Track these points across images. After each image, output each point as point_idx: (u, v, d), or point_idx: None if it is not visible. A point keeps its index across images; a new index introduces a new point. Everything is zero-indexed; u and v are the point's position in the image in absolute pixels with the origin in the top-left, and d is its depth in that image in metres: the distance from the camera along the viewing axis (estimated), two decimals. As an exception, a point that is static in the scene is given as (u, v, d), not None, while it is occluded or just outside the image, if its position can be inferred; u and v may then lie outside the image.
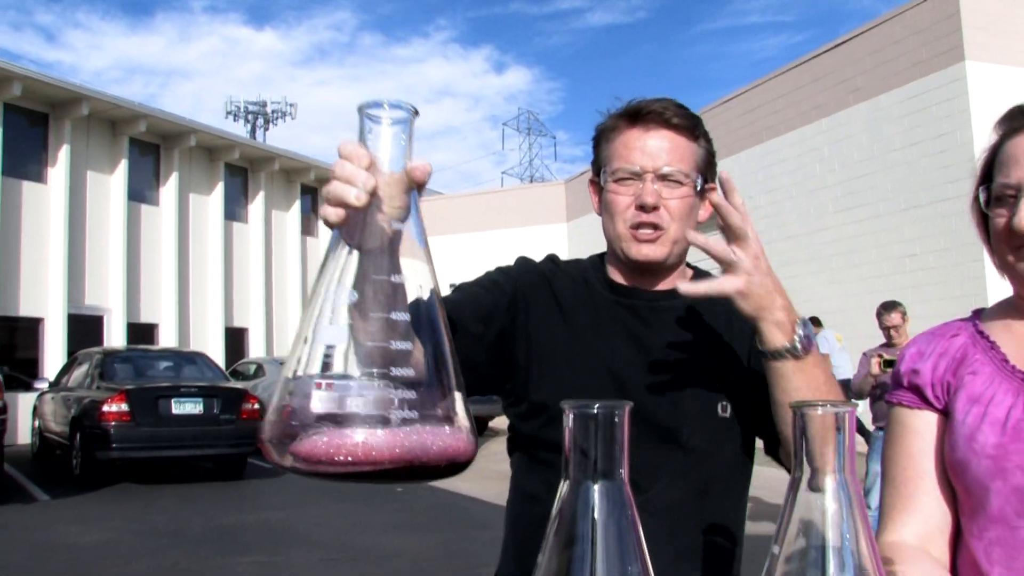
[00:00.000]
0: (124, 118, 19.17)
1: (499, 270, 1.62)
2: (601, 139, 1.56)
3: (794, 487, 0.82)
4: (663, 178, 1.47)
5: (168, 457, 11.63)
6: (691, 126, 1.51)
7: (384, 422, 0.84)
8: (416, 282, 0.90)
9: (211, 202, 21.21)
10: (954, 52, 12.49)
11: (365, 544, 8.15)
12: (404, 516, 9.55)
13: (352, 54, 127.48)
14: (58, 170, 17.92)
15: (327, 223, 0.91)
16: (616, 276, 1.58)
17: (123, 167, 19.35)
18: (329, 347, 0.90)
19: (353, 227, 0.89)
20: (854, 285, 13.71)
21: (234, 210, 22.01)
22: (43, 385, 13.44)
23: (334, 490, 11.28)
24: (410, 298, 0.88)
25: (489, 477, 11.57)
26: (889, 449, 1.40)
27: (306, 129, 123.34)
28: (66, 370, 13.29)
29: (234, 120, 37.60)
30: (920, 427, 1.36)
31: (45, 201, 17.72)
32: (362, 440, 0.83)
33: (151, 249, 19.88)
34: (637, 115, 1.49)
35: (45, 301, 17.60)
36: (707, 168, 1.54)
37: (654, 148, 1.48)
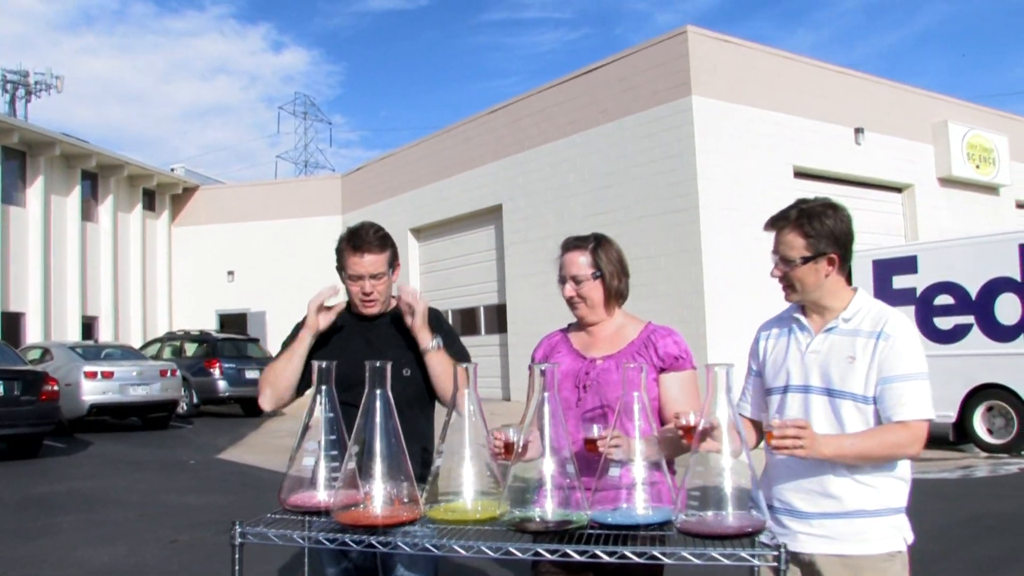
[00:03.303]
0: None
1: None
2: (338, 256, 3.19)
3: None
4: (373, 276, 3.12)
5: None
6: (383, 245, 3.14)
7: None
8: None
9: (-12, 186, 20.80)
10: (683, 87, 14.72)
11: (171, 502, 9.06)
12: (199, 482, 10.42)
13: (122, 22, 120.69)
14: None
15: None
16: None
17: None
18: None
19: None
20: None
21: (11, 194, 21.62)
22: None
23: (132, 463, 12.14)
24: None
25: (271, 450, 12.82)
26: None
27: (72, 100, 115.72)
28: None
29: None
30: None
31: None
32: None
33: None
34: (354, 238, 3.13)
35: None
36: (395, 260, 3.21)
37: (367, 262, 3.09)
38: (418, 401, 3.16)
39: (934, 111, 18.68)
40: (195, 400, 18.38)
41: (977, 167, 18.93)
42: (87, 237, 23.94)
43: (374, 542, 2.11)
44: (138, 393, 15.37)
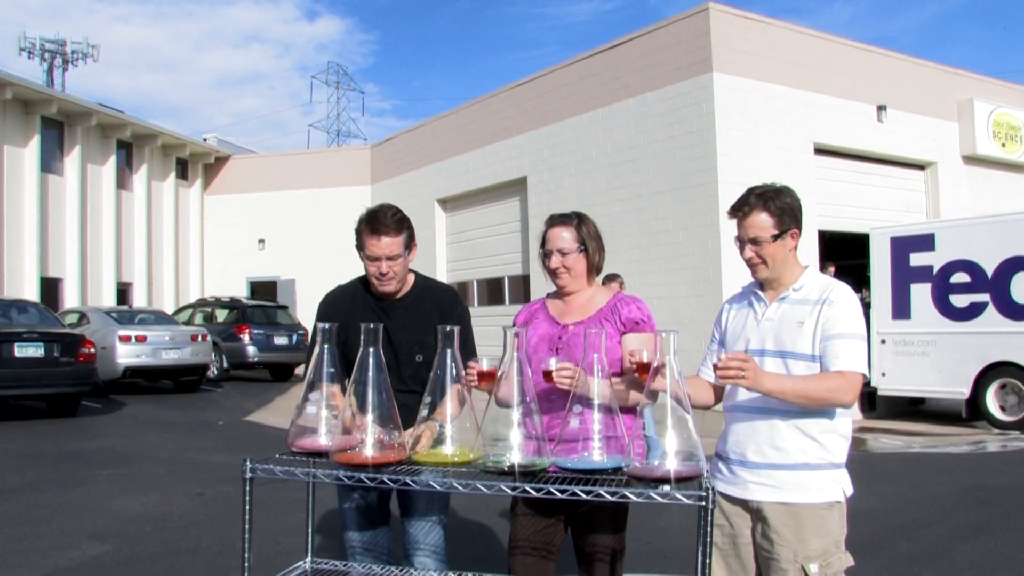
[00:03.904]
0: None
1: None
2: (357, 236, 3.40)
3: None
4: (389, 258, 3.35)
5: (11, 396, 12.48)
6: (399, 228, 3.37)
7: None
8: None
9: (27, 155, 21.40)
10: (704, 63, 14.86)
11: (199, 460, 9.55)
12: (226, 442, 10.91)
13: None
14: None
15: None
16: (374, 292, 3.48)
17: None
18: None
19: None
20: (618, 255, 15.55)
21: (50, 163, 22.19)
22: None
23: (163, 423, 12.66)
24: None
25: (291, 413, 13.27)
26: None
27: (107, 68, 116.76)
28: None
29: (28, 57, 35.47)
30: None
31: None
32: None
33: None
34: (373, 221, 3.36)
35: None
36: (411, 241, 3.43)
37: (384, 244, 3.32)
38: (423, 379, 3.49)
39: (960, 88, 18.64)
40: (225, 364, 18.93)
41: (1003, 145, 18.90)
42: (122, 205, 24.50)
43: (363, 477, 2.47)
44: (170, 357, 15.91)
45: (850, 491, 2.94)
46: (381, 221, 3.31)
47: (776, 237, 2.93)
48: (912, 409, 14.97)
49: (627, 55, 16.53)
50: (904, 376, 13.63)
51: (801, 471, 2.86)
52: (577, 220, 3.28)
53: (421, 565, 3.35)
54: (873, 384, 14.10)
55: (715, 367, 2.66)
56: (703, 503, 2.28)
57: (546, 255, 3.26)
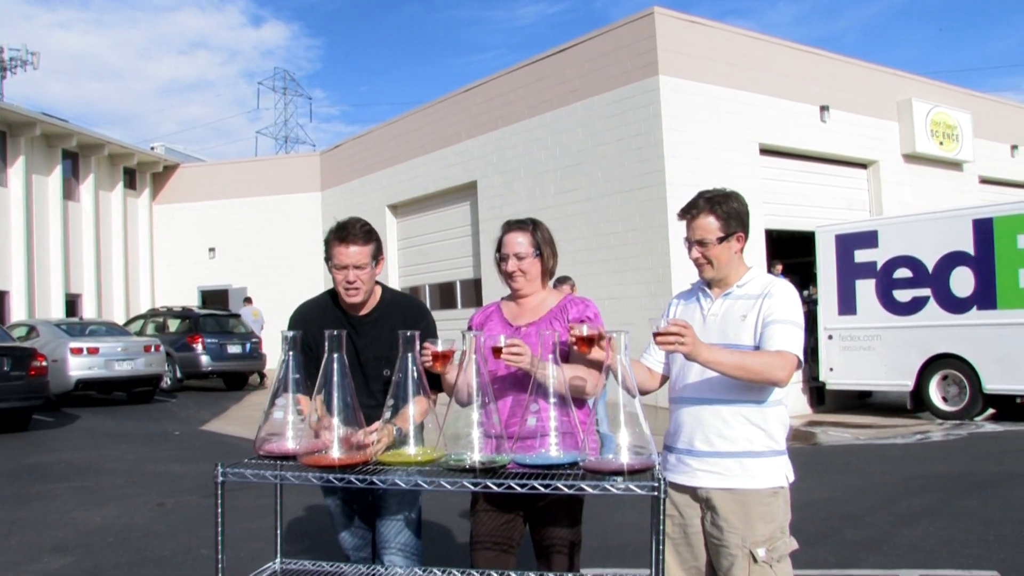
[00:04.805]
0: None
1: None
2: (326, 246, 3.52)
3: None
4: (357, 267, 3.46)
5: None
6: (367, 239, 3.49)
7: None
8: None
9: (-32, 167, 21.02)
10: (650, 67, 15.07)
11: (158, 470, 9.52)
12: (184, 452, 10.88)
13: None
14: None
15: None
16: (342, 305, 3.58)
17: None
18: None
19: None
20: (570, 256, 15.68)
21: (-8, 175, 21.86)
22: None
23: (119, 435, 12.57)
24: None
25: (252, 422, 13.26)
26: None
27: (46, 76, 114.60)
28: None
29: None
30: None
31: None
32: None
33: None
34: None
35: None
36: (378, 253, 3.54)
37: (352, 253, 3.43)
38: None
39: (899, 89, 19.14)
40: (179, 375, 18.79)
41: (941, 144, 19.43)
42: (69, 216, 24.18)
43: (331, 478, 2.58)
44: (123, 368, 15.77)
45: (792, 477, 3.11)
46: (350, 232, 3.45)
47: (722, 240, 3.10)
48: (859, 403, 15.37)
49: (574, 59, 16.72)
50: (851, 370, 14.00)
51: (746, 458, 3.01)
52: (533, 226, 3.42)
53: (390, 563, 3.46)
54: (821, 379, 14.46)
55: (655, 334, 2.77)
56: (656, 493, 2.43)
57: (502, 259, 3.39)
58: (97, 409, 15.75)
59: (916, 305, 13.24)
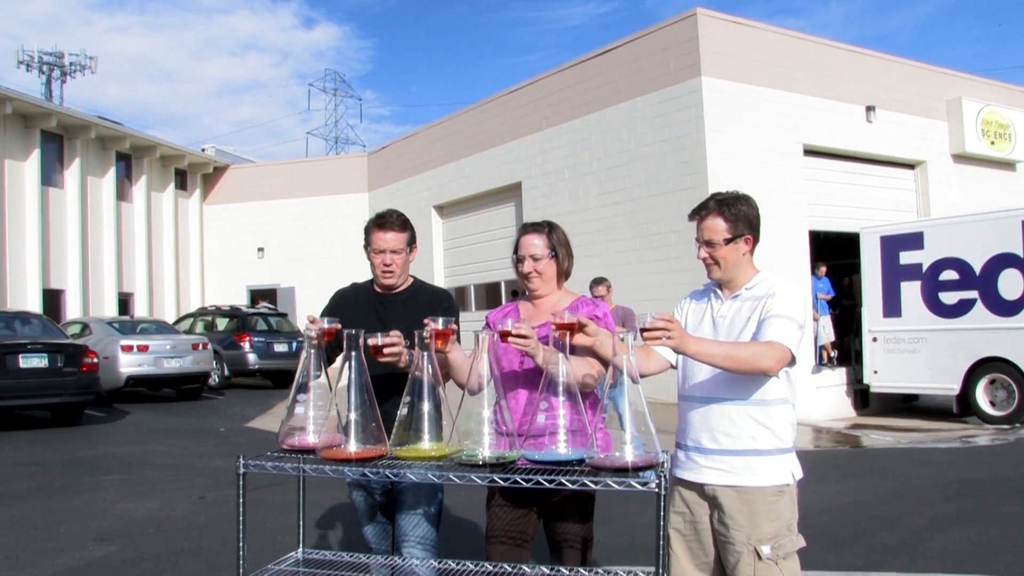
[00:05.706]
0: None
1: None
2: (366, 234, 3.76)
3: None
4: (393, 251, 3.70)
5: (16, 406, 12.64)
6: (403, 227, 3.71)
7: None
8: None
9: (27, 168, 21.63)
10: (693, 68, 15.06)
11: (201, 465, 9.77)
12: (227, 447, 11.11)
13: (153, 0, 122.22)
14: None
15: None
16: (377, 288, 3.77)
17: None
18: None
19: None
20: (612, 257, 16.00)
21: (50, 176, 22.39)
22: None
23: (166, 430, 12.88)
24: None
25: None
26: None
27: (103, 79, 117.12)
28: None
29: (27, 70, 35.63)
30: None
31: None
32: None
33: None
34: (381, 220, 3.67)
35: None
36: (412, 241, 3.78)
37: (389, 238, 3.69)
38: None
39: (948, 88, 18.84)
40: (226, 372, 19.14)
41: (992, 143, 19.09)
42: (122, 217, 24.77)
43: (347, 471, 2.69)
44: (172, 366, 16.11)
45: (799, 475, 3.14)
46: (387, 220, 3.80)
47: (729, 241, 3.16)
48: (904, 406, 15.19)
49: (617, 60, 16.75)
50: (896, 373, 13.85)
51: (751, 456, 3.05)
52: (548, 228, 3.50)
53: (408, 555, 3.57)
54: (865, 381, 14.32)
55: (641, 330, 2.79)
56: (656, 490, 2.49)
57: (519, 260, 3.48)
58: (146, 405, 16.12)
59: (963, 307, 13.07)
